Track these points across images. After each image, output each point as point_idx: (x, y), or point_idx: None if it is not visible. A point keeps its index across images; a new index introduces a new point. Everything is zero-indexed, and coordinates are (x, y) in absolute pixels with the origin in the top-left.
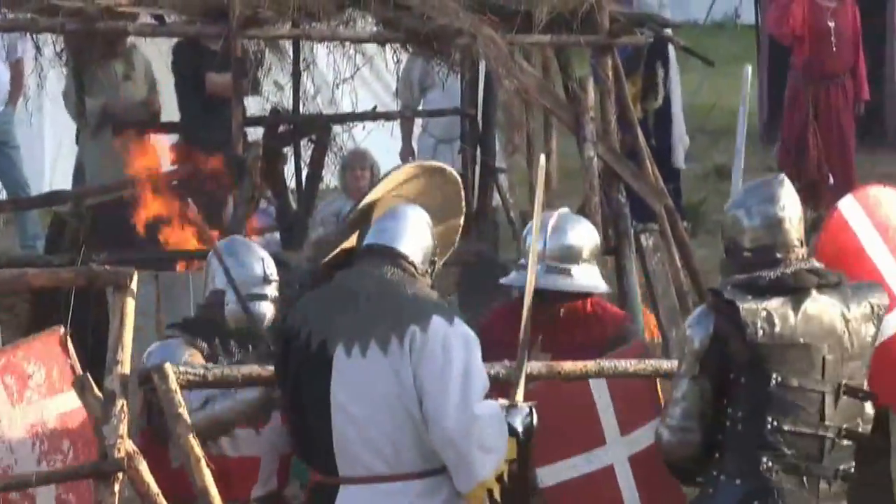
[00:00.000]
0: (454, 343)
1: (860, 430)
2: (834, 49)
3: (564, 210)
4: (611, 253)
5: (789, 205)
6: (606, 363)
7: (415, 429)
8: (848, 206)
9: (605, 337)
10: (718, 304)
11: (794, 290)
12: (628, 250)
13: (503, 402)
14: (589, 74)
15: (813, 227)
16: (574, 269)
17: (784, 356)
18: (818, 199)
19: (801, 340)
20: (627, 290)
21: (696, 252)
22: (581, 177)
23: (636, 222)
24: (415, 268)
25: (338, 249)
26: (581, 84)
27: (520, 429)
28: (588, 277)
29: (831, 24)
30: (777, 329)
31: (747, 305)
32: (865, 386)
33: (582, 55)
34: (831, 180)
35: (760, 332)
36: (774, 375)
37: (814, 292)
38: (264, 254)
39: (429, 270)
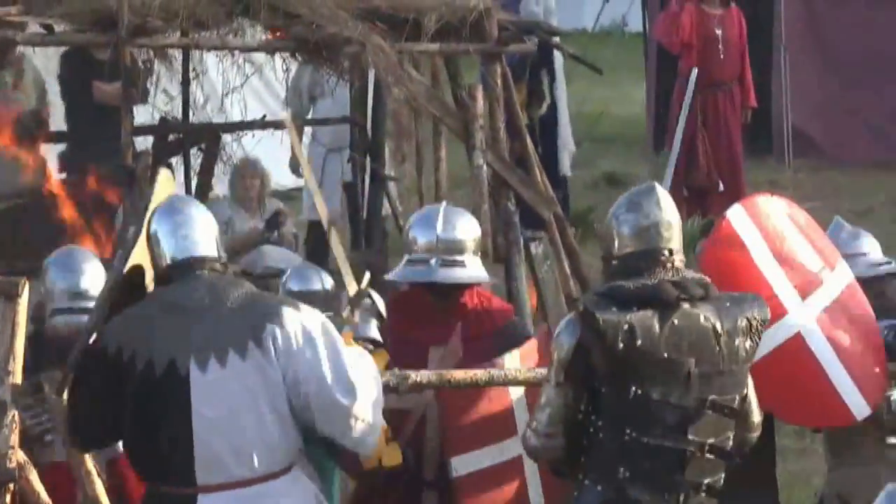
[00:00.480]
0: (311, 327)
1: (728, 446)
2: (722, 57)
3: (445, 204)
4: (501, 261)
5: (655, 213)
6: (496, 372)
7: (283, 427)
8: (736, 214)
9: (495, 328)
10: (584, 314)
11: (662, 303)
12: (518, 258)
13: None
14: (478, 82)
15: (702, 234)
16: (466, 259)
17: (645, 369)
18: (707, 206)
19: (665, 355)
20: (517, 298)
21: (586, 260)
22: (470, 185)
23: (525, 230)
24: (223, 264)
25: (130, 265)
26: (470, 92)
27: (377, 336)
28: (478, 268)
29: (719, 32)
30: (639, 342)
31: (608, 317)
32: (749, 398)
33: (471, 63)
34: (721, 187)
35: (620, 345)
36: (634, 388)
37: (686, 305)
38: (96, 269)
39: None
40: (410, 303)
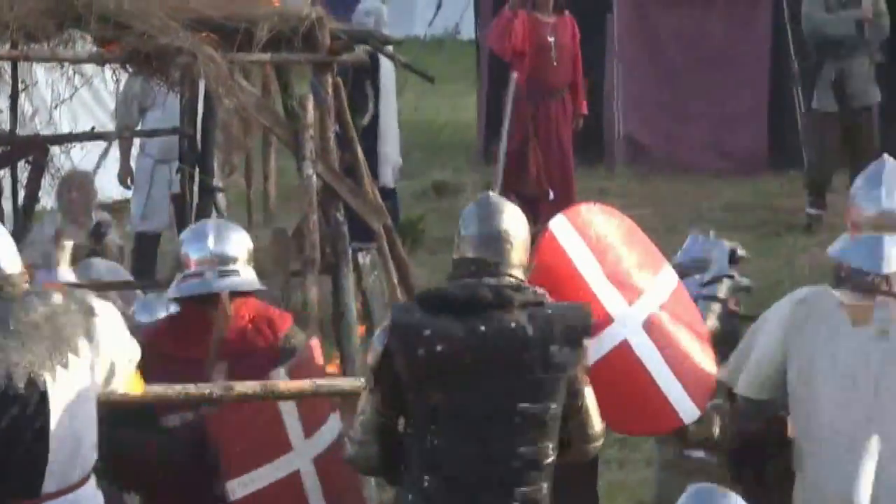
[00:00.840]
0: (107, 307)
1: (544, 455)
2: (555, 64)
3: (215, 218)
4: (328, 272)
5: (477, 224)
6: (322, 382)
7: (97, 422)
8: (558, 225)
9: (270, 341)
10: (391, 320)
11: (466, 309)
12: (346, 269)
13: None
14: (309, 92)
15: (533, 243)
16: (240, 269)
17: (446, 375)
18: (538, 214)
19: (468, 361)
20: (344, 310)
21: (414, 270)
22: (300, 195)
23: (355, 241)
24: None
25: None
26: (301, 102)
27: (73, 277)
28: (253, 277)
29: (552, 40)
30: (438, 348)
31: (410, 322)
32: (586, 408)
33: (302, 73)
34: (552, 195)
35: (420, 351)
36: (435, 394)
37: (496, 312)
38: None
39: None
40: (186, 321)
